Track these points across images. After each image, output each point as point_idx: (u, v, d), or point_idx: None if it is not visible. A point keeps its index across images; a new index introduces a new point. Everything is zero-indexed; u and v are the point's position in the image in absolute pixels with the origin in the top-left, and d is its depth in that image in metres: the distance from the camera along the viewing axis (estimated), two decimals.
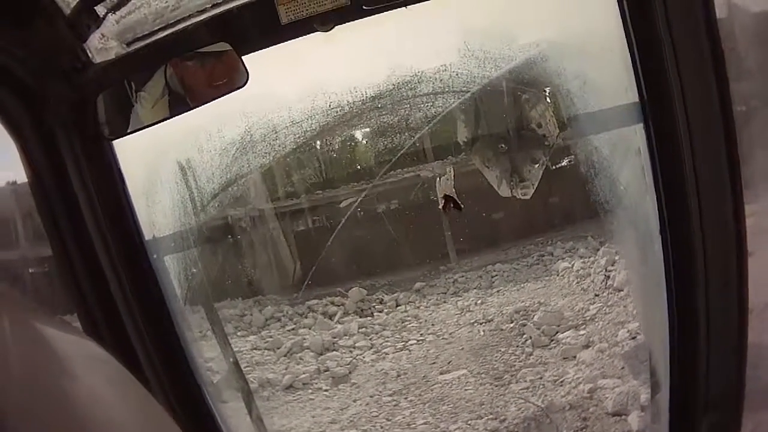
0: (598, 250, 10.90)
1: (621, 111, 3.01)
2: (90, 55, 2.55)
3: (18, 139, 2.53)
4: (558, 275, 11.25)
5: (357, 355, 9.92)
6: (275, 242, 12.69)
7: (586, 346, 8.24)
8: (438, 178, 7.51)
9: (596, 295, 9.72)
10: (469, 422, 7.23)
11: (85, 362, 0.88)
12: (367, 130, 12.58)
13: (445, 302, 11.61)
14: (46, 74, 2.49)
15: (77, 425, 0.76)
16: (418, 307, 11.59)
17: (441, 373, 8.72)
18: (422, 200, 12.55)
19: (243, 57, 2.52)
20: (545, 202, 12.03)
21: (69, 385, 0.80)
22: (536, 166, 7.37)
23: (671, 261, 2.81)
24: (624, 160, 3.27)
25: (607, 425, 6.46)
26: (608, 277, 9.87)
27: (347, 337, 10.55)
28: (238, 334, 10.90)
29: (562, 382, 7.60)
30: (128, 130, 2.62)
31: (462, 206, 7.22)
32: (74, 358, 0.86)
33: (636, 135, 2.88)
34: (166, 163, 4.00)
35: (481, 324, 10.13)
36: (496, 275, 12.11)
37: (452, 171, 7.22)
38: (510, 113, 8.23)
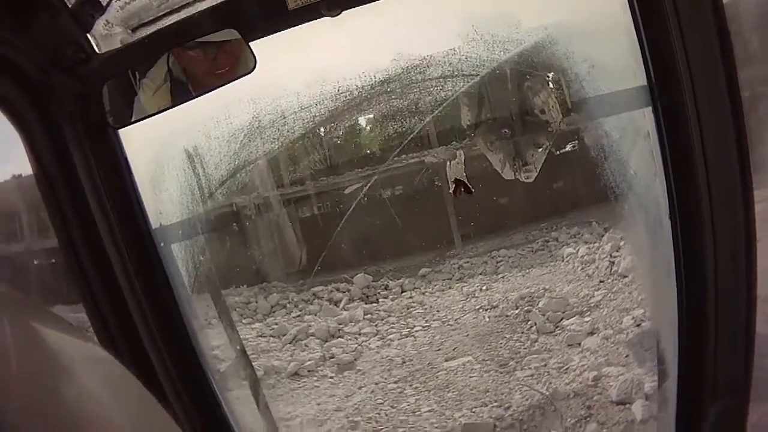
0: (603, 235, 10.91)
1: (629, 94, 2.99)
2: (95, 44, 2.55)
3: (23, 132, 2.52)
4: (563, 261, 11.27)
5: (362, 342, 9.94)
6: (281, 229, 12.71)
7: (591, 333, 8.24)
8: (448, 162, 7.50)
9: (601, 281, 9.72)
10: (474, 410, 7.24)
11: (83, 362, 0.89)
12: (376, 114, 12.60)
13: (450, 288, 11.64)
14: (50, 66, 2.47)
15: (73, 425, 0.76)
16: (424, 293, 11.63)
17: (446, 360, 8.73)
18: (427, 186, 12.57)
19: (250, 43, 2.50)
20: (550, 187, 12.03)
21: (65, 386, 0.80)
22: (539, 150, 7.37)
23: (680, 246, 2.80)
24: (633, 143, 3.25)
25: (611, 413, 6.46)
26: (613, 263, 9.88)
27: (352, 324, 10.58)
28: (244, 321, 10.94)
29: (566, 369, 7.60)
30: (133, 119, 2.61)
31: (473, 190, 7.21)
32: (72, 358, 0.87)
33: (645, 118, 2.86)
34: (174, 150, 3.99)
35: (486, 310, 10.15)
36: (501, 261, 12.13)
37: (462, 155, 7.21)
38: (514, 99, 8.22)
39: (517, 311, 9.64)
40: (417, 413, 7.51)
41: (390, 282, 12.07)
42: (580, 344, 8.11)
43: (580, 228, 11.97)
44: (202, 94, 2.57)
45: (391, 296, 11.67)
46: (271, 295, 11.68)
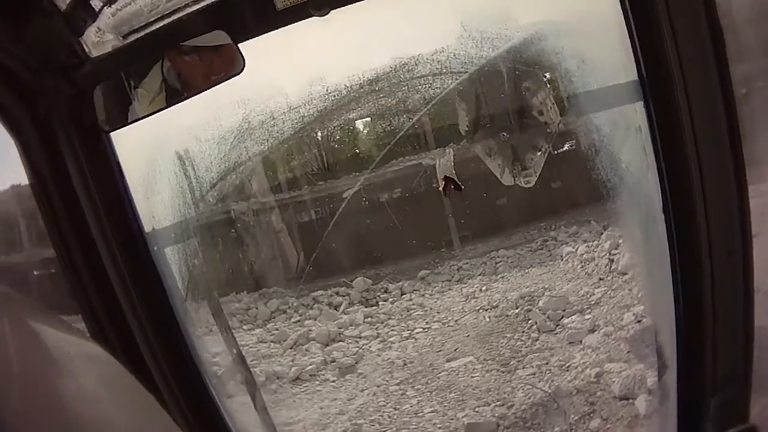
0: (601, 234, 10.91)
1: (620, 89, 2.99)
2: (87, 49, 2.54)
3: (17, 136, 2.52)
4: (562, 260, 11.26)
5: (363, 345, 9.92)
6: (278, 235, 12.71)
7: (592, 331, 8.23)
8: (437, 160, 7.48)
9: (601, 279, 9.71)
10: (477, 409, 7.22)
11: (82, 361, 0.89)
12: (365, 113, 12.55)
13: (450, 289, 11.64)
14: (43, 70, 2.47)
15: (70, 422, 0.76)
16: (423, 295, 11.62)
17: (447, 361, 8.72)
18: (425, 188, 12.56)
19: (239, 45, 2.50)
20: (548, 187, 12.01)
21: (64, 384, 0.81)
22: (539, 154, 7.34)
23: (675, 240, 2.79)
24: (625, 138, 3.25)
25: (615, 409, 6.44)
26: (612, 260, 9.87)
27: (353, 327, 10.57)
28: (244, 327, 10.94)
29: (568, 367, 7.58)
30: (126, 122, 2.61)
31: (462, 187, 7.20)
32: (71, 357, 0.87)
33: (636, 113, 2.86)
34: (165, 154, 3.99)
35: (486, 310, 10.14)
36: (500, 261, 12.13)
37: (452, 153, 7.20)
38: (511, 101, 8.20)
39: (517, 311, 9.62)
40: (420, 414, 7.49)
41: (389, 285, 12.07)
42: (581, 342, 8.09)
43: (578, 227, 11.97)
44: (194, 95, 2.57)
45: (390, 299, 11.66)
46: (271, 300, 11.66)
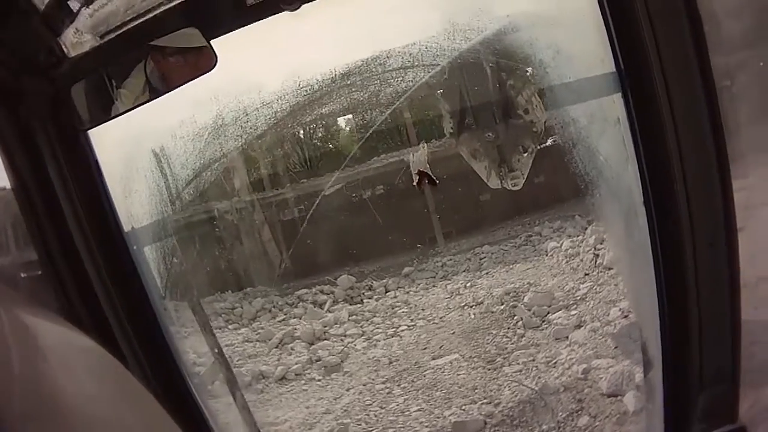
0: (586, 229, 10.92)
1: (597, 81, 2.97)
2: (66, 50, 2.55)
3: None
4: (547, 255, 11.27)
5: (348, 344, 9.89)
6: (260, 233, 12.68)
7: (578, 326, 8.22)
8: (411, 155, 7.44)
9: (586, 274, 9.72)
10: (464, 407, 7.19)
11: (72, 353, 0.90)
12: (339, 108, 12.56)
13: (434, 286, 11.64)
14: (22, 71, 2.47)
15: (61, 416, 0.76)
16: (408, 293, 11.61)
17: (433, 358, 8.69)
18: (407, 185, 12.54)
19: (212, 41, 2.48)
20: (531, 182, 12.01)
21: (55, 377, 0.81)
22: (525, 155, 7.31)
23: (657, 233, 2.76)
24: (603, 130, 3.23)
25: (603, 406, 6.41)
26: (597, 255, 9.88)
27: (338, 326, 10.54)
28: (230, 327, 10.89)
29: (555, 363, 7.57)
30: (102, 120, 2.61)
31: (437, 181, 7.16)
32: (61, 350, 0.88)
33: (614, 105, 2.84)
34: (141, 152, 3.97)
35: (471, 307, 10.13)
36: (485, 257, 12.14)
37: (426, 147, 7.16)
38: (496, 100, 8.16)
39: (502, 307, 9.61)
40: (406, 413, 7.46)
41: (374, 282, 12.06)
42: (567, 338, 8.08)
43: (563, 222, 11.99)
44: (170, 91, 2.56)
45: (375, 296, 11.65)
46: (256, 299, 11.63)
